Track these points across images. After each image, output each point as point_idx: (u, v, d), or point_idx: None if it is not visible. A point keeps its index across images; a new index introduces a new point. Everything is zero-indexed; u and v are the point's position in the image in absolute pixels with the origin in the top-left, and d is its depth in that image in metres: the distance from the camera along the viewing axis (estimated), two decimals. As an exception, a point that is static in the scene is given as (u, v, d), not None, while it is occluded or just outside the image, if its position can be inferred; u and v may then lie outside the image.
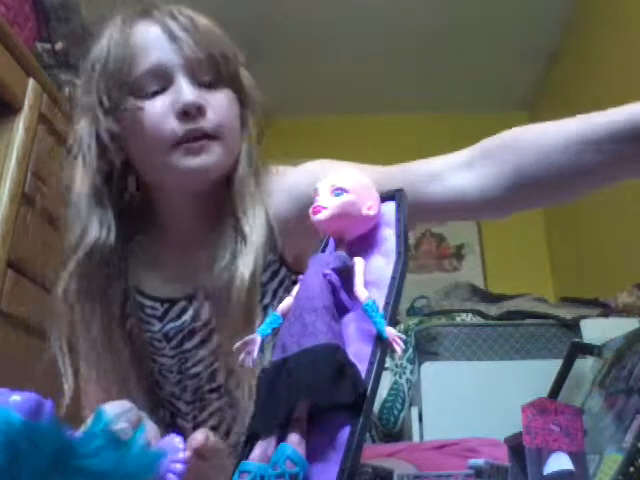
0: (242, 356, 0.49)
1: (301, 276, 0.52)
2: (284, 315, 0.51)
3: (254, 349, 0.49)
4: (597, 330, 1.68)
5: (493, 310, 2.23)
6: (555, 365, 1.22)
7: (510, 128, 0.77)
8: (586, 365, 1.00)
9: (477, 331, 2.08)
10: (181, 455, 0.50)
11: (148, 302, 0.91)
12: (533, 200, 0.79)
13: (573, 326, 1.84)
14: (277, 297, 0.88)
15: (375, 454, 1.01)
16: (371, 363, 0.46)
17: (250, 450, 0.46)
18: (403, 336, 0.45)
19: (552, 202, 0.87)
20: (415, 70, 3.18)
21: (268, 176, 0.89)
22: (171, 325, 0.89)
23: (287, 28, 2.90)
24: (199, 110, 0.80)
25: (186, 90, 0.79)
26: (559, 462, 0.58)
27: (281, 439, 0.45)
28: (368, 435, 1.98)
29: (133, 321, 0.91)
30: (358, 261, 0.51)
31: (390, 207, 0.56)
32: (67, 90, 1.33)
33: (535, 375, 1.45)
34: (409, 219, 0.58)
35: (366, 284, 0.50)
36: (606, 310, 2.00)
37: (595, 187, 0.76)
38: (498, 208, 0.79)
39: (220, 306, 0.81)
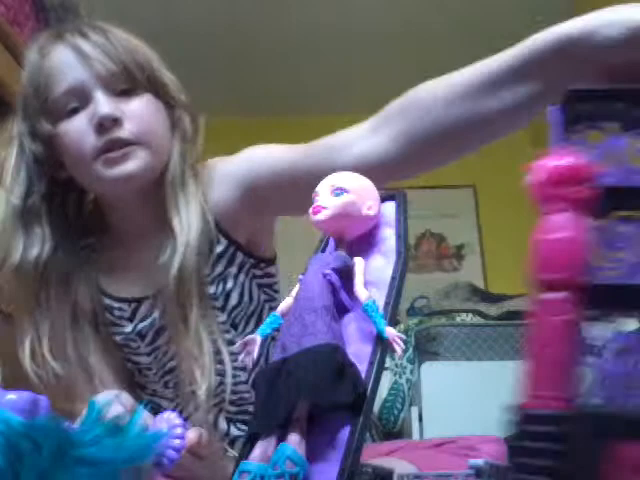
0: (242, 356, 0.49)
1: (301, 276, 0.52)
2: (284, 315, 0.51)
3: (254, 349, 0.49)
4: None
5: (493, 310, 2.24)
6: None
7: None
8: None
9: (477, 331, 2.08)
10: (179, 430, 0.50)
11: (115, 304, 0.94)
12: (430, 158, 0.80)
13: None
14: (238, 281, 0.93)
15: (374, 453, 1.01)
16: (371, 363, 0.46)
17: (250, 450, 0.46)
18: (403, 336, 0.45)
19: (452, 157, 0.82)
20: (415, 70, 3.17)
21: (208, 169, 0.93)
22: (143, 324, 0.93)
23: (288, 27, 2.91)
24: (115, 121, 0.83)
25: (101, 104, 0.83)
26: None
27: (281, 439, 0.45)
28: (368, 435, 1.98)
29: (105, 326, 0.94)
30: (358, 261, 0.51)
31: (390, 207, 0.56)
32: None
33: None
34: None
35: (366, 284, 0.50)
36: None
37: (495, 136, 0.75)
38: (399, 170, 0.80)
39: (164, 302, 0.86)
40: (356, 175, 0.54)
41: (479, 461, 0.78)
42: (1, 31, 1.38)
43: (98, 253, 0.96)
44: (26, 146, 0.87)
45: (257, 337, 0.50)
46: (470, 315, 2.28)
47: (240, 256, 0.93)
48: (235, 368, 0.91)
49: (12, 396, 0.41)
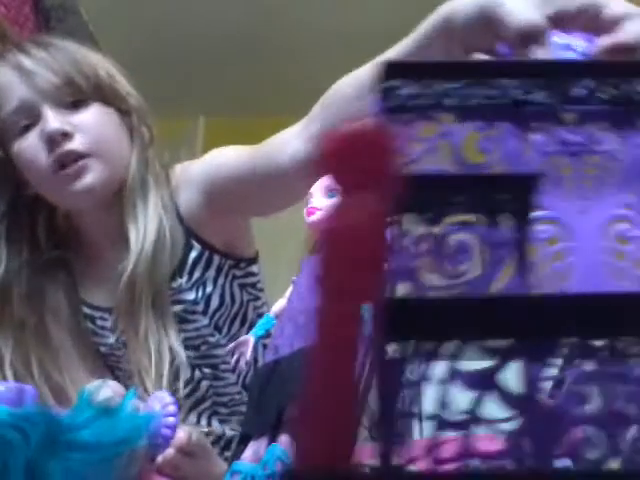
0: (235, 357, 0.50)
1: (295, 278, 0.52)
2: (277, 317, 0.51)
3: (247, 350, 0.49)
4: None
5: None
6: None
7: None
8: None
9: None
10: (171, 408, 0.50)
11: (97, 313, 0.94)
12: None
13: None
14: (218, 284, 0.93)
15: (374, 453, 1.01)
16: (363, 364, 0.46)
17: (243, 450, 0.47)
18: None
19: None
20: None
21: (172, 174, 0.92)
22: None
23: (289, 28, 2.91)
24: (65, 136, 0.83)
25: (49, 119, 0.83)
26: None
27: (273, 440, 0.45)
28: (368, 435, 1.98)
29: (87, 336, 0.95)
30: (351, 263, 0.51)
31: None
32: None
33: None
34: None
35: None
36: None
37: None
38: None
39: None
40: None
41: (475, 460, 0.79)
42: (1, 31, 1.38)
43: (75, 264, 0.96)
44: None
45: (250, 338, 0.50)
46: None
47: (217, 258, 0.93)
48: (224, 370, 0.92)
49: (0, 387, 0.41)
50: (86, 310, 0.94)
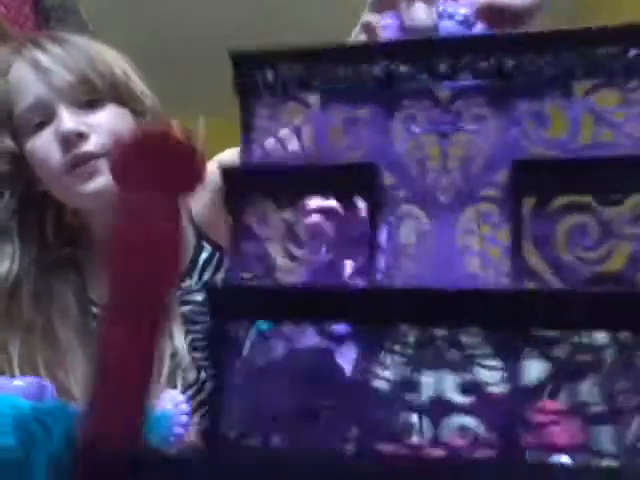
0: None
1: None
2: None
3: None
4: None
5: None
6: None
7: None
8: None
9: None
10: (184, 407, 0.50)
11: None
12: None
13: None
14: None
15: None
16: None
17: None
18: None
19: None
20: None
21: None
22: None
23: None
24: (80, 136, 0.82)
25: (65, 119, 0.82)
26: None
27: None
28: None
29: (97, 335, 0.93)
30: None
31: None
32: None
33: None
34: None
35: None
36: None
37: None
38: None
39: None
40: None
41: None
42: (1, 31, 1.38)
43: (84, 263, 0.95)
44: None
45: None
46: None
47: (227, 261, 0.93)
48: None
49: (19, 382, 0.42)
50: (95, 310, 0.94)
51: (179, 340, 0.85)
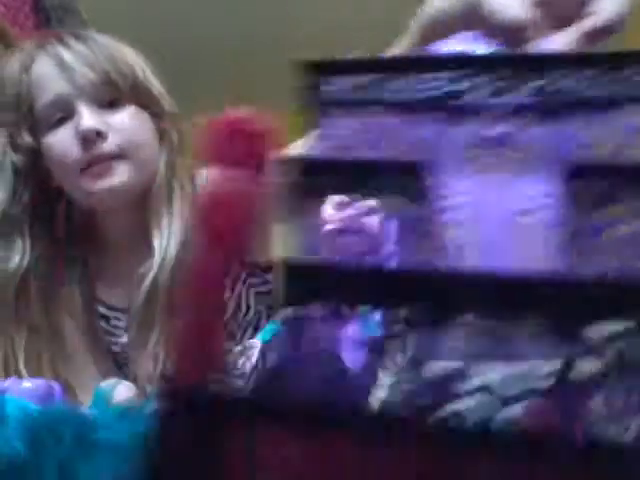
0: (241, 362, 0.50)
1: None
2: (283, 323, 0.51)
3: (252, 355, 0.50)
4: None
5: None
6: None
7: None
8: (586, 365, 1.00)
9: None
10: None
11: (112, 313, 0.94)
12: None
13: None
14: (235, 292, 0.92)
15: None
16: (364, 367, 0.46)
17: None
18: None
19: None
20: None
21: (197, 177, 0.91)
22: None
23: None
24: (99, 135, 0.83)
25: (85, 117, 0.83)
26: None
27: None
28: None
29: (99, 335, 0.94)
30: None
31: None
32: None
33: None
34: None
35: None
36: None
37: None
38: None
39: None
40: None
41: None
42: (1, 31, 1.38)
43: (91, 262, 0.95)
44: (5, 157, 0.87)
45: (257, 343, 0.50)
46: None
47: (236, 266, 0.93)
48: (234, 377, 0.91)
49: (28, 384, 0.41)
50: (101, 309, 0.94)
51: None
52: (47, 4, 1.54)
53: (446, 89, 0.36)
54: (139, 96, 0.87)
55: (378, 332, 0.33)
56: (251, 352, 0.50)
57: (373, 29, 2.93)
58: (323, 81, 0.38)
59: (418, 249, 0.35)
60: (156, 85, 0.90)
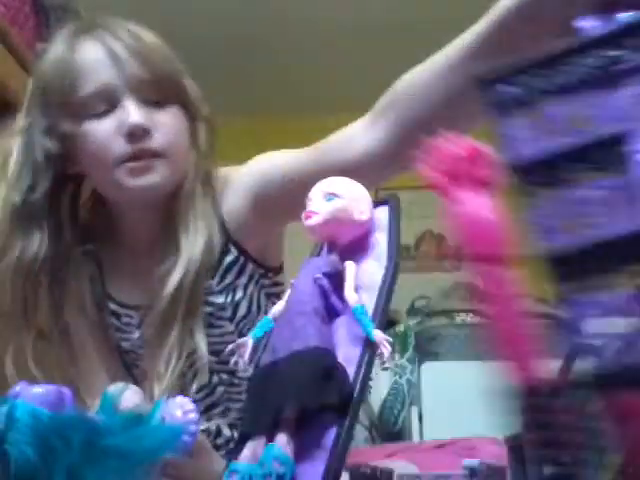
0: (234, 359, 0.50)
1: (293, 280, 0.53)
2: (275, 319, 0.52)
3: (245, 352, 0.50)
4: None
5: (493, 310, 2.23)
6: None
7: None
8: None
9: (478, 331, 2.08)
10: (192, 416, 0.49)
11: (123, 310, 0.93)
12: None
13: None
14: (248, 292, 0.93)
15: (376, 455, 1.02)
16: (359, 366, 0.47)
17: (241, 450, 0.47)
18: (390, 339, 0.46)
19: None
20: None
21: (221, 180, 0.92)
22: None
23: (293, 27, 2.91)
24: (145, 131, 0.82)
25: (132, 112, 0.81)
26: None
27: (270, 439, 0.46)
28: (368, 435, 1.99)
29: (109, 332, 0.94)
30: (349, 265, 0.52)
31: (383, 212, 0.57)
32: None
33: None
34: None
35: (358, 288, 0.51)
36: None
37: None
38: (400, 160, 0.75)
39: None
40: (348, 180, 0.55)
41: (474, 461, 0.79)
42: (1, 31, 1.38)
43: (104, 258, 0.95)
44: (35, 141, 0.84)
45: (249, 340, 0.51)
46: (470, 315, 2.28)
47: (250, 266, 0.93)
48: (241, 377, 0.91)
49: (38, 389, 0.41)
50: (112, 306, 0.94)
51: (199, 338, 0.84)
52: (47, 4, 1.55)
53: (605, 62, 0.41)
54: (182, 99, 0.87)
55: None
56: (243, 350, 0.50)
57: (373, 29, 2.93)
58: (504, 87, 0.43)
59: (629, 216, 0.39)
60: (196, 89, 0.90)
